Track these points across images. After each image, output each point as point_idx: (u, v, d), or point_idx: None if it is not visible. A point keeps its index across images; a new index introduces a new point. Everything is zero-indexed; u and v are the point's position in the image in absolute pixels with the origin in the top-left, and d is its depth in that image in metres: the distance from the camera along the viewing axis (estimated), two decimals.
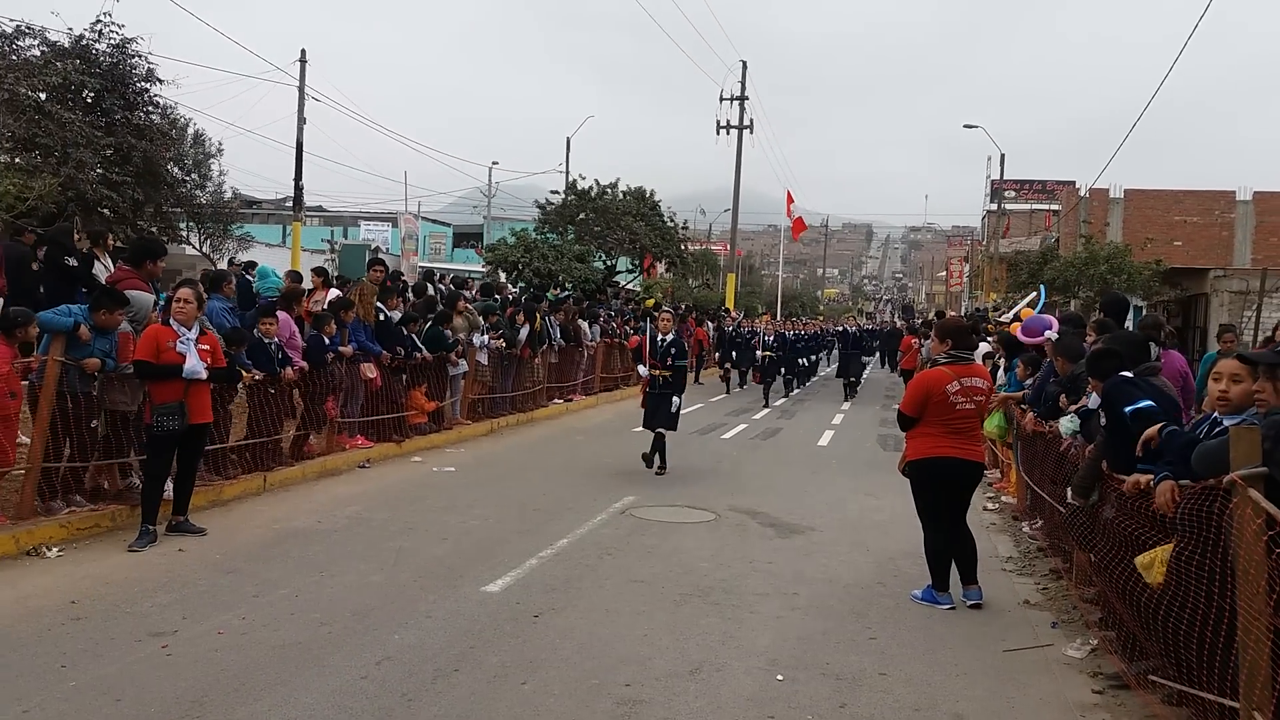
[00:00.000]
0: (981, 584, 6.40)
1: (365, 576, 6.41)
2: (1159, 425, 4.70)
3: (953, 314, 23.13)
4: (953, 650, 5.46)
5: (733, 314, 33.44)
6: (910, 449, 6.46)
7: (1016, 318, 14.34)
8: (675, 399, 10.86)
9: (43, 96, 15.88)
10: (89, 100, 16.71)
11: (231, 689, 4.48)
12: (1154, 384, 5.41)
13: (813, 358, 28.27)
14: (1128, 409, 5.11)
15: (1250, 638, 3.46)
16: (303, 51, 28.57)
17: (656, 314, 12.14)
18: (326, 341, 10.14)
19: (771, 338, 22.52)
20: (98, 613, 5.49)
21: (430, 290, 15.83)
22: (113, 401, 7.50)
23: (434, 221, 56.60)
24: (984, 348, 11.63)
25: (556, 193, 34.24)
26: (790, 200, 39.82)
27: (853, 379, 23.31)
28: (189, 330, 7.22)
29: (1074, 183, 35.06)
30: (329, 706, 4.34)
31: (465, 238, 56.97)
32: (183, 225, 22.80)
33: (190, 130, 24.32)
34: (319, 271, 13.36)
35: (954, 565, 6.39)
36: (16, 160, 15.55)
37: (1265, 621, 3.40)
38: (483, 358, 13.95)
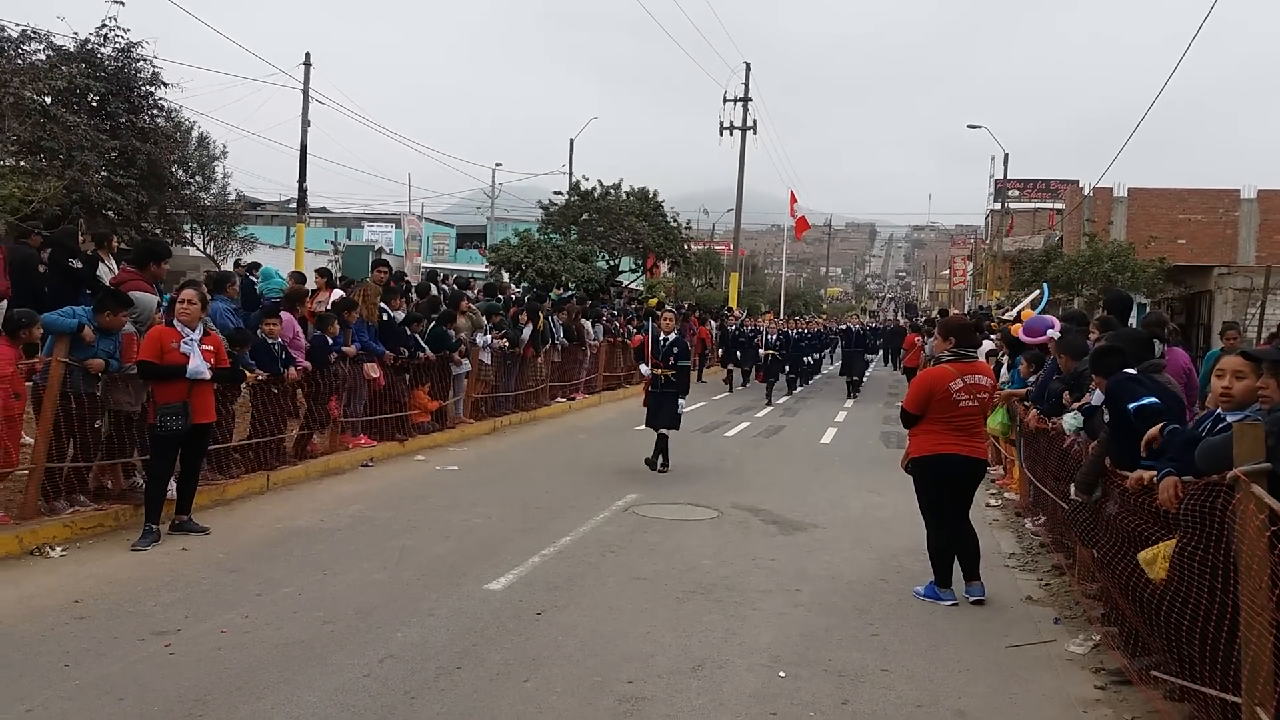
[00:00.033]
0: (984, 580, 6.40)
1: (368, 575, 6.42)
2: (1160, 425, 4.69)
3: (956, 312, 23.12)
4: (955, 646, 5.46)
5: (736, 313, 33.44)
6: (913, 446, 6.46)
7: (1019, 317, 14.34)
8: (679, 399, 10.85)
9: (48, 100, 15.92)
10: (94, 104, 16.75)
11: (234, 687, 4.49)
12: (1158, 381, 5.41)
13: (816, 356, 28.24)
14: (1131, 406, 5.10)
15: (1252, 633, 3.45)
16: (307, 55, 28.64)
17: (659, 313, 12.13)
18: (330, 341, 10.16)
19: (775, 336, 22.49)
20: (101, 612, 5.50)
21: (433, 291, 15.86)
22: (116, 402, 7.52)
23: (437, 222, 56.70)
24: (987, 345, 11.62)
25: (560, 193, 34.24)
26: (793, 200, 39.85)
27: (856, 378, 23.28)
28: (193, 331, 7.24)
29: (1078, 182, 35.06)
30: (332, 705, 4.35)
31: (468, 238, 57.05)
32: (187, 227, 22.85)
33: (194, 133, 24.41)
34: (322, 272, 13.37)
35: (957, 562, 6.39)
36: (22, 163, 15.60)
37: (1267, 617, 3.39)
38: (486, 357, 13.97)
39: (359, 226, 49.37)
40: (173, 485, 7.40)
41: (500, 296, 17.58)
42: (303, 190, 29.09)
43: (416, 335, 12.13)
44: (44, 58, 16.54)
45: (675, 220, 32.91)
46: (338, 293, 12.16)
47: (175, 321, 7.29)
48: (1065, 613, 6.14)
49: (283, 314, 9.59)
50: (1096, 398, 5.98)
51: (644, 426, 11.25)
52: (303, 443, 10.11)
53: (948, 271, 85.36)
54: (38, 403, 7.17)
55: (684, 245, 33.77)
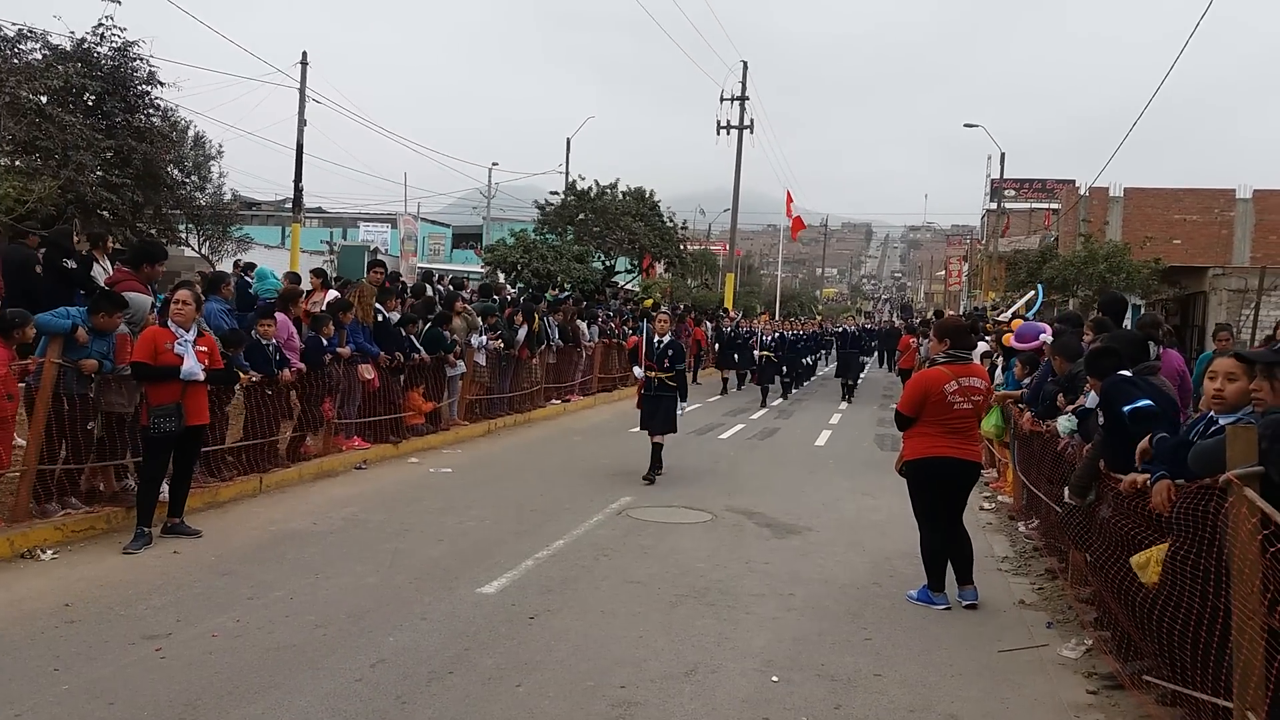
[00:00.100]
0: (977, 584, 6.40)
1: (361, 578, 6.41)
2: (1149, 435, 4.67)
3: (951, 313, 23.13)
4: (948, 651, 5.46)
5: (731, 314, 33.44)
6: (907, 449, 6.46)
7: (1015, 315, 14.35)
8: (678, 401, 10.76)
9: (44, 100, 15.86)
10: (90, 103, 16.70)
11: (225, 692, 4.48)
12: (1152, 383, 5.41)
13: (813, 357, 28.21)
14: (1126, 408, 5.10)
15: (1244, 637, 3.45)
16: (304, 54, 28.61)
17: (654, 314, 12.09)
18: (324, 343, 10.13)
19: (770, 338, 22.44)
20: (92, 615, 5.48)
21: (429, 291, 15.84)
22: (109, 403, 7.50)
23: (433, 222, 56.67)
24: (982, 347, 11.63)
25: (556, 193, 34.25)
26: (790, 200, 39.83)
27: (851, 381, 23.05)
28: (187, 332, 7.22)
29: (1074, 181, 35.08)
30: (323, 709, 4.33)
31: (464, 238, 57.02)
32: (182, 227, 22.80)
33: (190, 132, 24.32)
34: (318, 273, 13.35)
35: (950, 565, 6.38)
36: (17, 163, 15.53)
37: (1259, 621, 3.39)
38: (481, 358, 13.94)
39: (354, 226, 49.35)
40: (165, 488, 7.38)
41: (496, 297, 17.55)
42: (298, 190, 29.05)
43: (411, 337, 12.11)
44: (40, 57, 16.48)
45: (671, 220, 32.93)
46: (333, 293, 12.14)
47: (169, 322, 7.26)
48: (1058, 617, 6.14)
49: (277, 315, 9.56)
50: (1091, 400, 5.97)
51: (638, 429, 11.22)
52: (296, 445, 10.09)
53: (943, 272, 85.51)
54: (30, 403, 7.15)
55: (680, 245, 33.80)
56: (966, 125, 39.46)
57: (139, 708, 4.27)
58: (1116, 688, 4.90)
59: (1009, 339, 10.07)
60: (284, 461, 9.76)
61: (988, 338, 12.78)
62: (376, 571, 6.58)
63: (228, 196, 27.21)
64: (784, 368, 22.47)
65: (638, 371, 10.97)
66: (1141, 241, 25.22)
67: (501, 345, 14.41)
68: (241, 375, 8.59)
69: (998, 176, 43.59)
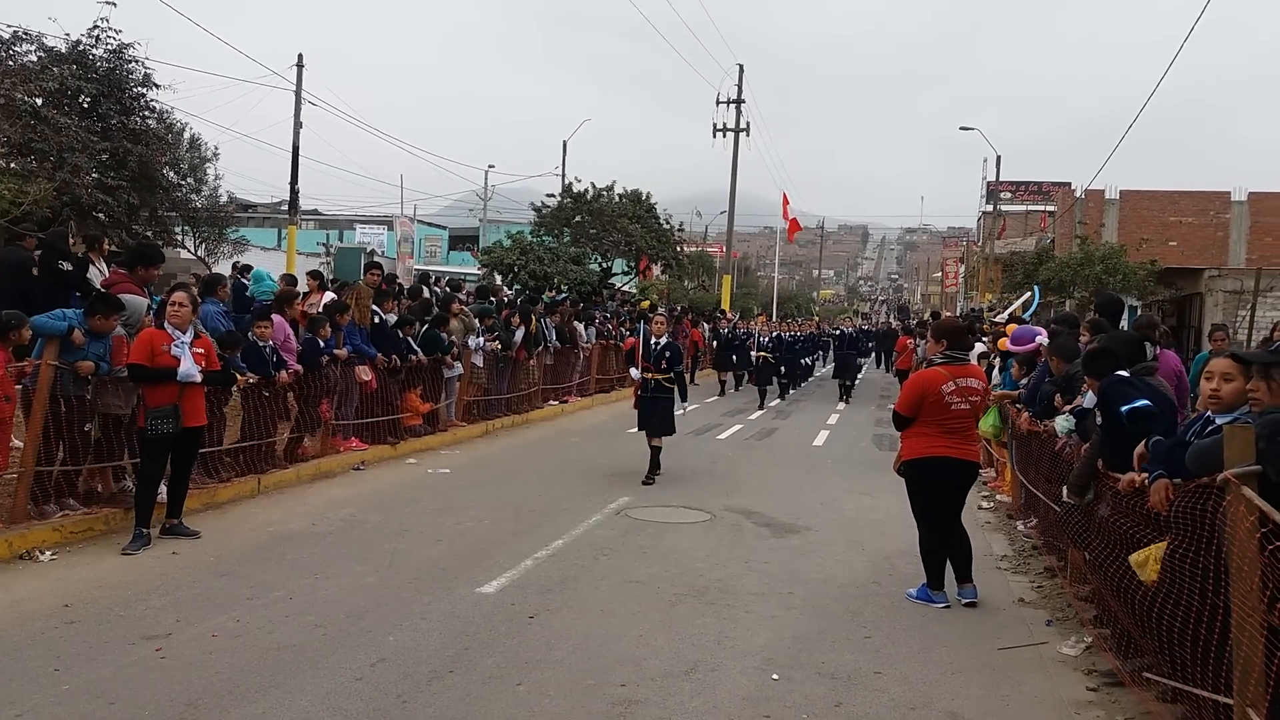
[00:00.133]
0: (976, 582, 6.41)
1: (360, 579, 6.40)
2: (1145, 439, 4.68)
3: (948, 315, 23.17)
4: (948, 649, 5.46)
5: (728, 315, 33.46)
6: (905, 449, 6.47)
7: (1011, 317, 14.38)
8: (675, 402, 10.76)
9: (39, 102, 15.84)
10: (85, 105, 16.68)
11: (225, 692, 4.47)
12: (1150, 383, 5.42)
13: (809, 359, 28.23)
14: (1124, 408, 5.11)
15: (1244, 634, 3.46)
16: (299, 56, 28.60)
17: (651, 316, 12.09)
18: (321, 344, 10.13)
19: (767, 339, 22.46)
20: (91, 616, 5.47)
21: (426, 293, 15.83)
22: (106, 405, 7.48)
23: (429, 224, 56.59)
24: (979, 348, 11.65)
25: (552, 195, 34.25)
26: (786, 202, 39.90)
27: (848, 382, 23.09)
28: (183, 334, 7.21)
29: (1069, 184, 35.17)
30: (324, 709, 4.33)
31: (461, 240, 56.97)
32: (178, 229, 22.77)
33: (186, 134, 24.30)
34: (314, 275, 13.35)
35: (949, 564, 6.39)
36: (12, 165, 15.51)
37: (1258, 618, 3.40)
38: (478, 360, 13.95)
39: (351, 228, 49.28)
40: (163, 489, 7.38)
41: (493, 299, 17.55)
42: (294, 192, 29.02)
43: (409, 338, 12.11)
44: (35, 59, 16.46)
45: (668, 222, 32.95)
46: (330, 295, 12.13)
47: (166, 324, 7.25)
48: (1057, 615, 6.15)
49: (274, 317, 9.56)
50: (1088, 400, 5.99)
51: (636, 430, 11.22)
52: (294, 446, 10.08)
53: (940, 274, 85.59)
54: (27, 406, 7.14)
55: (677, 247, 33.82)
56: (962, 129, 39.48)
57: (139, 708, 4.27)
58: (1116, 685, 4.91)
59: (1004, 343, 10.10)
60: (282, 463, 9.75)
61: (984, 339, 12.81)
62: (375, 572, 6.58)
63: (224, 199, 27.18)
64: (782, 368, 22.46)
65: (634, 373, 10.97)
66: (1137, 243, 25.28)
67: (499, 347, 14.41)
68: (239, 377, 8.59)
69: (994, 179, 43.66)
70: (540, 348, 16.45)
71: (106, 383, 7.43)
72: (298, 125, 28.36)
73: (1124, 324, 10.28)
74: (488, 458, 11.96)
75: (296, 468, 9.82)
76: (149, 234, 17.74)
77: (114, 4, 17.03)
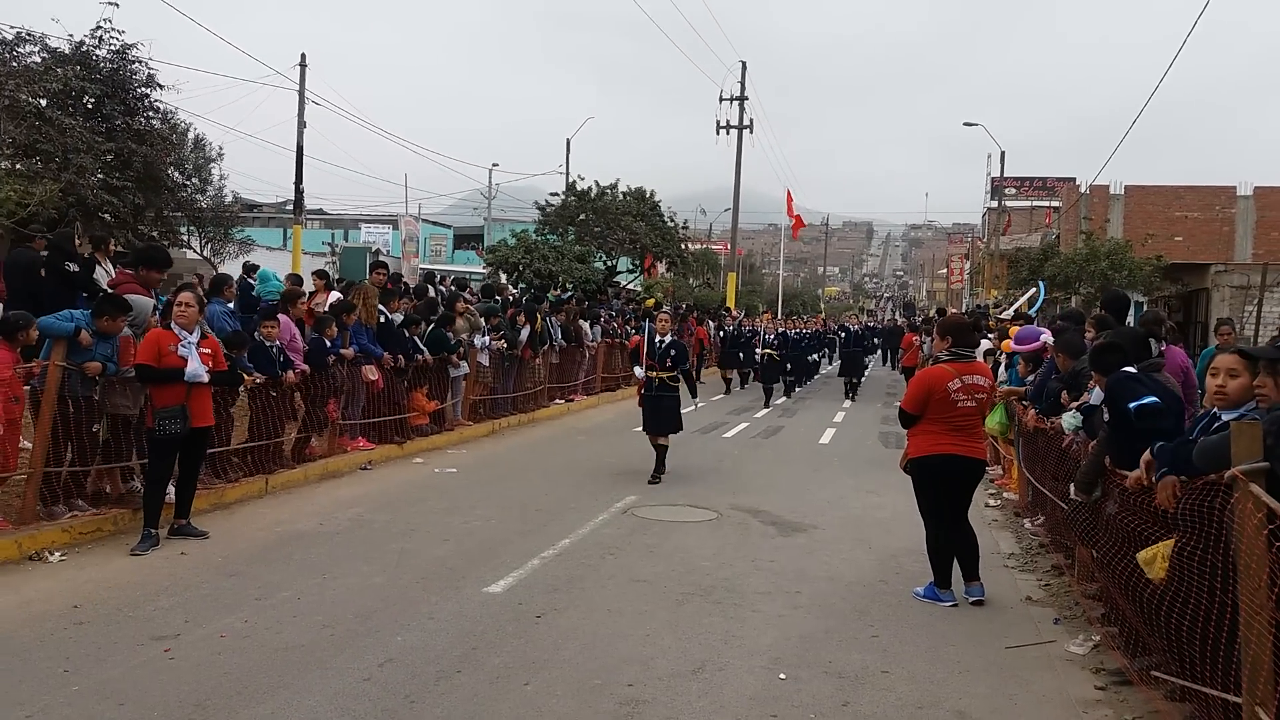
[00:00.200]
0: (984, 581, 6.40)
1: (368, 578, 6.42)
2: (1150, 448, 4.65)
3: (954, 311, 23.12)
4: (955, 647, 5.46)
5: (734, 313, 33.44)
6: (912, 446, 6.46)
7: (1017, 313, 14.36)
8: (680, 401, 10.76)
9: (43, 103, 15.89)
10: (89, 106, 16.72)
11: (234, 692, 4.49)
12: (1157, 379, 5.41)
13: (815, 356, 28.18)
14: (1132, 405, 5.10)
15: (1252, 632, 3.45)
16: (303, 56, 28.63)
17: (656, 314, 12.08)
18: (328, 344, 10.15)
19: (773, 336, 22.42)
20: (100, 617, 5.49)
21: (431, 292, 15.85)
22: (114, 405, 7.51)
23: (434, 223, 56.65)
24: (985, 345, 11.63)
25: (556, 194, 34.25)
26: (790, 199, 39.87)
27: (854, 380, 23.05)
28: (190, 334, 7.23)
29: (1074, 179, 35.07)
30: (332, 709, 4.34)
31: (466, 239, 57.02)
32: (184, 229, 22.83)
33: (190, 135, 24.36)
34: (320, 274, 13.37)
35: (956, 562, 6.39)
36: (17, 166, 15.57)
37: (1267, 616, 3.39)
38: (484, 359, 13.96)
39: (356, 228, 49.39)
40: (171, 489, 7.40)
41: (498, 298, 17.57)
42: (299, 192, 29.07)
43: (415, 337, 12.12)
44: (39, 60, 16.50)
45: (672, 220, 32.93)
46: (335, 295, 12.15)
47: (173, 324, 7.28)
48: (1065, 613, 6.14)
49: (280, 316, 9.58)
50: (1095, 396, 5.98)
51: (640, 429, 11.21)
52: (301, 446, 10.10)
53: (945, 270, 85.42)
54: (35, 406, 7.16)
55: (681, 245, 33.79)
56: (966, 124, 39.45)
57: (149, 708, 4.28)
58: (1124, 683, 4.90)
59: (1008, 345, 10.08)
60: (289, 462, 9.78)
61: (990, 335, 12.79)
62: (383, 572, 6.59)
63: (229, 199, 27.25)
64: (788, 366, 22.39)
65: (639, 371, 10.94)
66: (1143, 239, 25.22)
67: (504, 345, 14.43)
68: (245, 377, 8.61)
69: (998, 175, 43.57)
70: (546, 346, 16.47)
71: (114, 383, 7.45)
72: (301, 125, 28.41)
73: (1130, 320, 10.26)
74: (494, 457, 11.97)
75: (304, 468, 9.84)
76: (155, 234, 17.79)
77: (116, 4, 17.08)
